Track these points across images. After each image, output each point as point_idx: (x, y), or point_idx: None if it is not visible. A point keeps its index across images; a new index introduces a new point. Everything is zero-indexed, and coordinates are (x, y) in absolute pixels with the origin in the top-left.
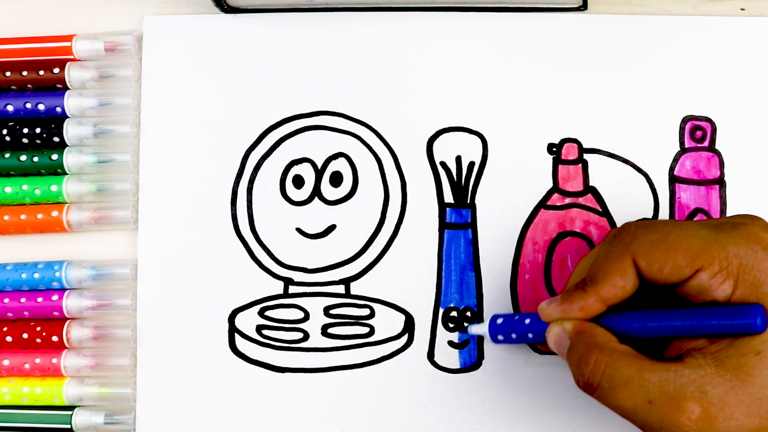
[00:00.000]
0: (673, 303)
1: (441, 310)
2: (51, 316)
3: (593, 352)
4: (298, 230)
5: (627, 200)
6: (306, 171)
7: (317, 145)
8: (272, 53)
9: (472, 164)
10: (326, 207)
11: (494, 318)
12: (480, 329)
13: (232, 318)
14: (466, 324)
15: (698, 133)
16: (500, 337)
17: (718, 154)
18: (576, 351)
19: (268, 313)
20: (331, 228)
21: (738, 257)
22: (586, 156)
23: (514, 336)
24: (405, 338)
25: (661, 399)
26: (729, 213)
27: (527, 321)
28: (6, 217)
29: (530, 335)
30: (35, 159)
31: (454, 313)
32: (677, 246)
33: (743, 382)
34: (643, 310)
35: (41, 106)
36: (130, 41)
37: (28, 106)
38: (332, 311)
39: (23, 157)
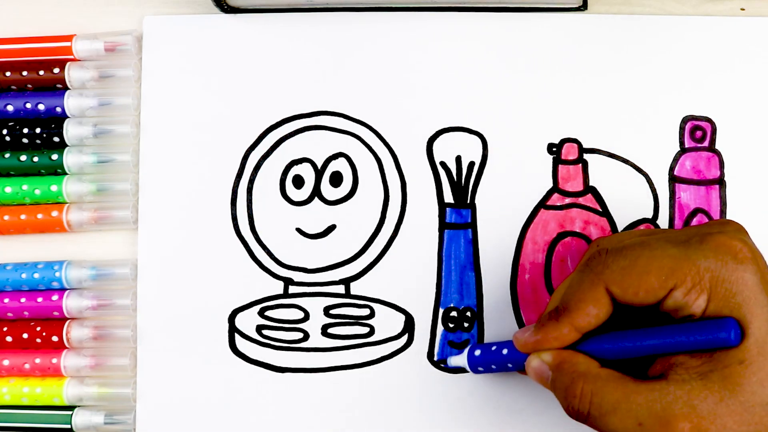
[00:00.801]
0: (651, 319)
1: (441, 310)
2: (51, 316)
3: (578, 382)
4: (298, 230)
5: (627, 200)
6: (306, 171)
7: (317, 145)
8: (272, 53)
9: (472, 164)
10: (326, 207)
11: (472, 350)
12: (460, 361)
13: (232, 318)
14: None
15: (698, 133)
16: (480, 369)
17: (718, 154)
18: (560, 383)
19: (268, 313)
20: (331, 228)
21: (709, 271)
22: (586, 156)
23: (493, 367)
24: (405, 338)
25: (650, 420)
26: (729, 213)
27: (504, 351)
28: (6, 217)
29: (509, 365)
30: (35, 159)
31: (454, 313)
32: (648, 269)
33: (732, 392)
34: (619, 332)
35: (41, 106)
36: (130, 41)
37: (28, 106)
38: (332, 311)
39: (23, 157)
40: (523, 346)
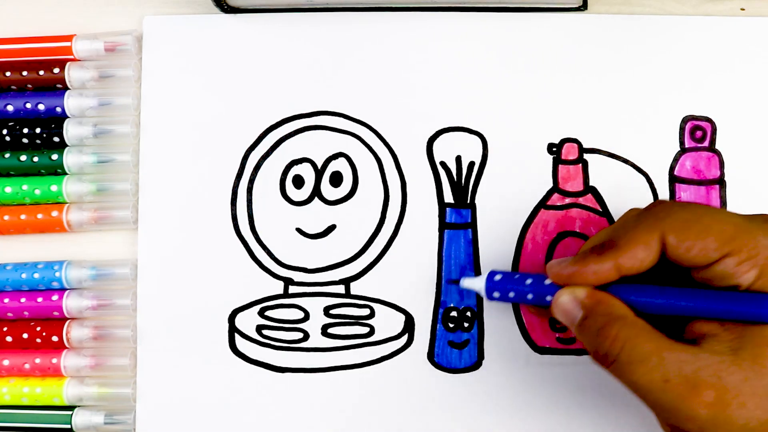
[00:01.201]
0: (682, 286)
1: (441, 310)
2: (51, 316)
3: (614, 324)
4: (298, 230)
5: (627, 200)
6: (306, 171)
7: (317, 145)
8: (272, 53)
9: (472, 164)
10: (326, 207)
11: (492, 274)
12: (475, 284)
13: (232, 318)
14: (464, 324)
15: (698, 133)
16: (496, 295)
17: (718, 154)
18: (594, 321)
19: (268, 313)
20: (331, 228)
21: (767, 248)
22: (586, 156)
23: (511, 295)
24: (405, 338)
25: (677, 379)
26: None
27: (528, 281)
28: (6, 217)
29: (530, 296)
30: (35, 159)
31: (454, 313)
32: (710, 229)
33: (758, 373)
34: (656, 286)
35: (41, 106)
36: (130, 41)
37: (28, 106)
38: (332, 311)
39: (23, 157)
40: (556, 276)
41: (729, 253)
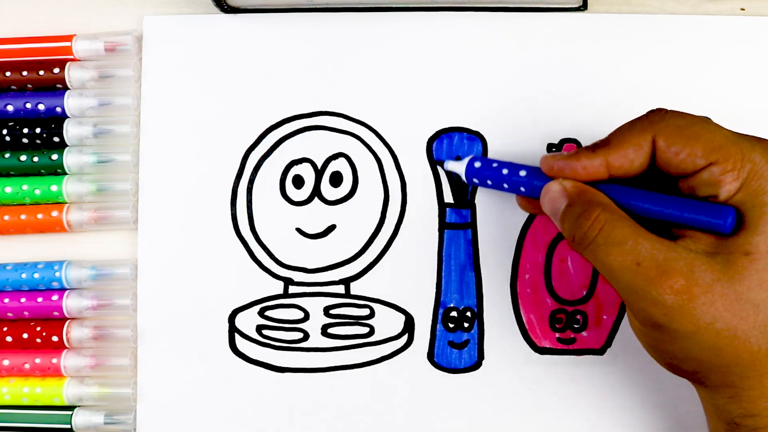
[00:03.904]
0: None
1: (441, 310)
2: (51, 316)
3: (596, 208)
4: (298, 230)
5: None
6: (306, 171)
7: (317, 145)
8: (272, 53)
9: None
10: (326, 207)
11: (473, 160)
12: (457, 167)
13: (232, 318)
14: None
15: None
16: (475, 180)
17: None
18: (577, 207)
19: (268, 313)
20: (331, 228)
21: (751, 162)
22: None
23: (489, 182)
24: (405, 338)
25: (649, 263)
26: None
27: (504, 171)
28: (6, 217)
29: (505, 185)
30: (35, 159)
31: (454, 313)
32: (699, 137)
33: (731, 278)
34: (637, 188)
35: (41, 106)
36: (130, 41)
37: (28, 106)
38: (332, 311)
39: (23, 157)
40: (548, 168)
41: (715, 161)
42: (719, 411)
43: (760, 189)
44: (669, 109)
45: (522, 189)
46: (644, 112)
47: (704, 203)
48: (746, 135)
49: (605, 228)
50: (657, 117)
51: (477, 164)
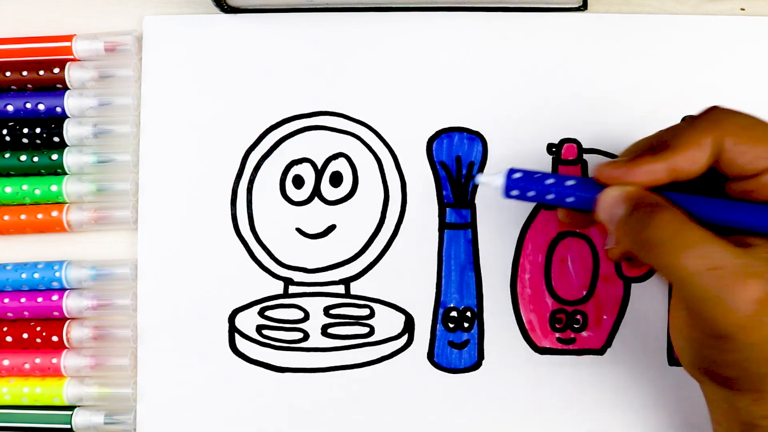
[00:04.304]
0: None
1: (441, 310)
2: (51, 316)
3: (666, 211)
4: (298, 230)
5: None
6: (306, 171)
7: (317, 145)
8: (272, 53)
9: (471, 164)
10: (326, 207)
11: (511, 171)
12: (492, 180)
13: (232, 318)
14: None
15: None
16: (513, 193)
17: None
18: (641, 213)
19: (268, 313)
20: (331, 228)
21: None
22: (585, 156)
23: (531, 195)
24: (405, 338)
25: (729, 265)
26: None
27: (550, 181)
28: (6, 217)
29: (549, 197)
30: (35, 159)
31: (454, 313)
32: (765, 137)
33: None
34: (705, 197)
35: (41, 106)
36: (130, 41)
37: (28, 106)
38: (332, 311)
39: (23, 157)
40: (606, 175)
41: None
42: (739, 412)
43: None
44: (727, 108)
45: (569, 200)
46: (702, 111)
47: None
48: None
49: (677, 230)
50: (721, 115)
51: (517, 175)
